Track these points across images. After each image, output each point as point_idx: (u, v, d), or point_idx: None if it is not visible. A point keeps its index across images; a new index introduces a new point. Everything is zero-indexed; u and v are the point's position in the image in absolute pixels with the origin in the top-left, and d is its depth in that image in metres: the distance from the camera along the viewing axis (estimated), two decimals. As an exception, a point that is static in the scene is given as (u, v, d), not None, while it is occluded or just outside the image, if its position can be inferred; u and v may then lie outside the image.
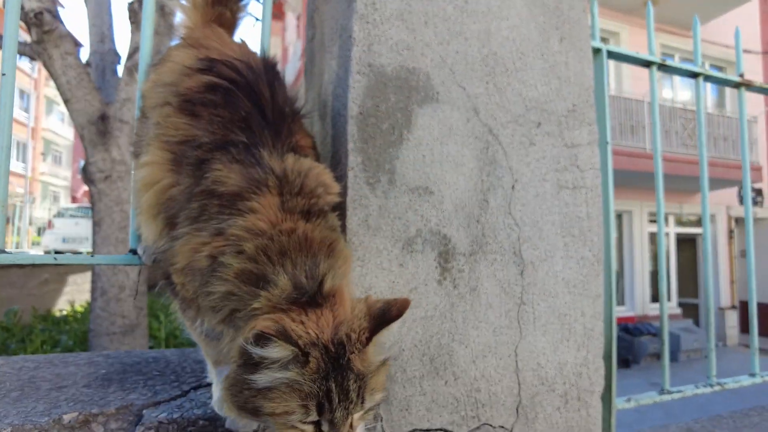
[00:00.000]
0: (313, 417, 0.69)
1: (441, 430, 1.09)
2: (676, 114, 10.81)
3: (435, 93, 1.13)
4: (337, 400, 0.69)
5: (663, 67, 1.80)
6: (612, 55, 1.66)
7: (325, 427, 0.70)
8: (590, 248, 1.29)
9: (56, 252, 12.28)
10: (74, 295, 10.30)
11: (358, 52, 1.06)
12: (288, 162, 0.88)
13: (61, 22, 4.39)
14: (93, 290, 4.36)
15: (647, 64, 1.74)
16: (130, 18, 4.60)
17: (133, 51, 4.54)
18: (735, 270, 12.62)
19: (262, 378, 0.68)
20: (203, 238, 0.81)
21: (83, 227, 14.63)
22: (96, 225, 4.33)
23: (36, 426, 0.82)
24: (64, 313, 8.48)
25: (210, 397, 0.96)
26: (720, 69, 12.82)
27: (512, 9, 1.24)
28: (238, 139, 0.88)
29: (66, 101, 4.45)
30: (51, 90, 28.73)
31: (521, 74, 1.24)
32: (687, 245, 12.69)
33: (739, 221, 12.68)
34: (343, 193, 1.04)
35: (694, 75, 1.86)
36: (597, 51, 1.55)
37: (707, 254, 1.90)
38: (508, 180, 1.20)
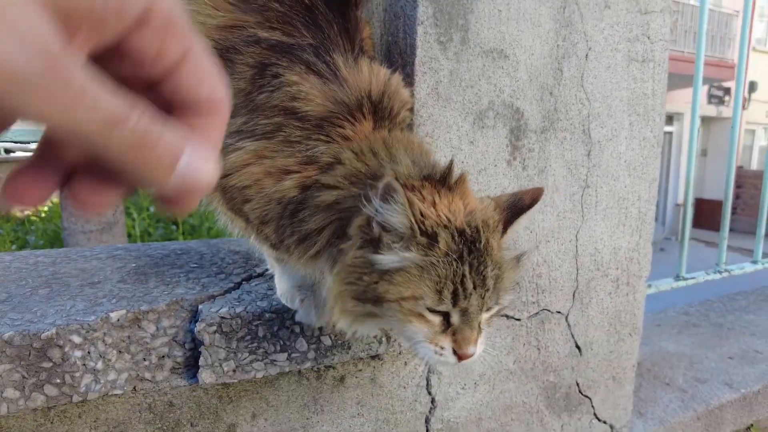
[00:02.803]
0: (447, 305, 0.60)
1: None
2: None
3: (513, -67, 0.93)
4: (472, 286, 0.59)
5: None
6: None
7: (455, 318, 0.61)
8: (652, 128, 1.19)
9: (6, 150, 11.44)
10: (35, 197, 9.84)
11: None
12: (364, 72, 0.72)
13: None
14: (63, 197, 4.08)
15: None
16: None
17: None
18: (694, 168, 13.09)
19: (388, 258, 0.59)
20: (286, 163, 0.68)
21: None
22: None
23: (83, 326, 0.71)
24: (27, 213, 8.12)
25: (269, 288, 0.87)
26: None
27: None
28: (305, 42, 0.71)
29: None
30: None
31: None
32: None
33: (705, 120, 12.90)
34: (410, 54, 0.88)
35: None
36: None
37: (734, 146, 1.84)
38: (582, 47, 1.05)
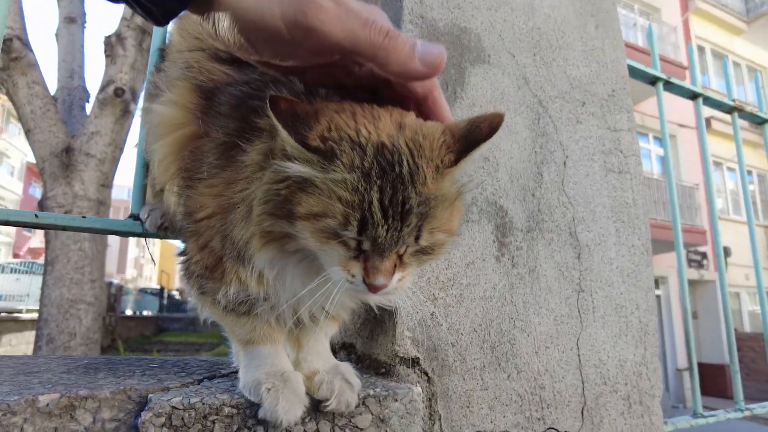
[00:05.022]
0: (352, 232, 0.52)
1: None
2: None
3: (486, 55, 1.05)
4: (382, 216, 0.51)
5: (668, 85, 1.81)
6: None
7: (366, 245, 0.53)
8: (639, 236, 1.20)
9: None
10: (5, 356, 9.30)
11: (409, 2, 0.98)
12: None
13: (31, 50, 4.21)
14: (38, 338, 3.87)
15: (653, 81, 1.75)
16: (105, 51, 4.47)
17: (107, 83, 4.37)
18: (688, 331, 12.89)
19: (294, 166, 0.53)
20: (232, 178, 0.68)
21: (24, 283, 13.59)
22: (48, 264, 3.92)
23: (0, 406, 0.60)
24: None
25: (233, 386, 0.76)
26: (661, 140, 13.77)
27: (553, -13, 1.21)
28: None
29: (27, 132, 4.17)
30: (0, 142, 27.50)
31: (564, 52, 1.19)
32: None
33: (690, 284, 13.12)
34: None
35: (693, 96, 1.88)
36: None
37: (726, 304, 1.83)
38: (559, 155, 1.10)
